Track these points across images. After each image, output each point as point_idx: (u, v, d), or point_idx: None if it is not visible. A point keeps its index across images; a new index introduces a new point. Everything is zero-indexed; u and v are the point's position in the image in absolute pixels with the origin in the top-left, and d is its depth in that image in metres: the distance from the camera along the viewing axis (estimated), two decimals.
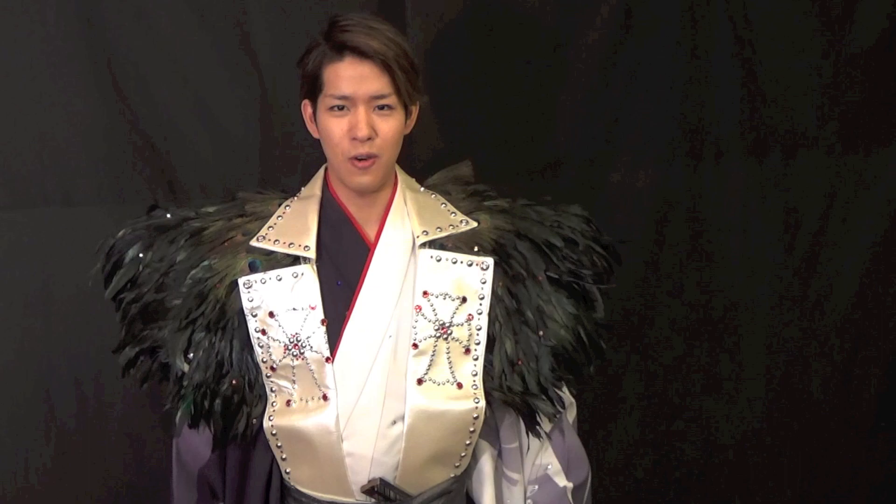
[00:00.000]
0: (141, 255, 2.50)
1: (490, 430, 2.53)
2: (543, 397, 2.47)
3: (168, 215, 2.54)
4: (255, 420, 2.45)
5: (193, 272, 2.46)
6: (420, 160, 2.94)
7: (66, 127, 2.99)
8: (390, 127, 2.39)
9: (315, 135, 2.48)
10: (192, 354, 2.45)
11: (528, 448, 2.55)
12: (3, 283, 3.00)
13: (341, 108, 2.39)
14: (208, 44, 3.02)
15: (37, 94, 2.97)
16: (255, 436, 2.47)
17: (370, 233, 2.46)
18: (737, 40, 3.23)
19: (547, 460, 2.55)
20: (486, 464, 2.54)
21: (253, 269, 2.46)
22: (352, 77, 2.37)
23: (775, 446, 3.42)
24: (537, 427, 2.49)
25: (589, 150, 3.21)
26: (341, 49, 2.37)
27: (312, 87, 2.42)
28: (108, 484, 3.10)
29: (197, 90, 3.03)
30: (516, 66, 3.16)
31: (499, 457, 2.56)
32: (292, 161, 3.05)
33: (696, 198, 3.28)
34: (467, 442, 2.46)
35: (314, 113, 2.44)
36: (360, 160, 2.39)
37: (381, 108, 2.38)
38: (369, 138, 2.37)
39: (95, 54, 2.97)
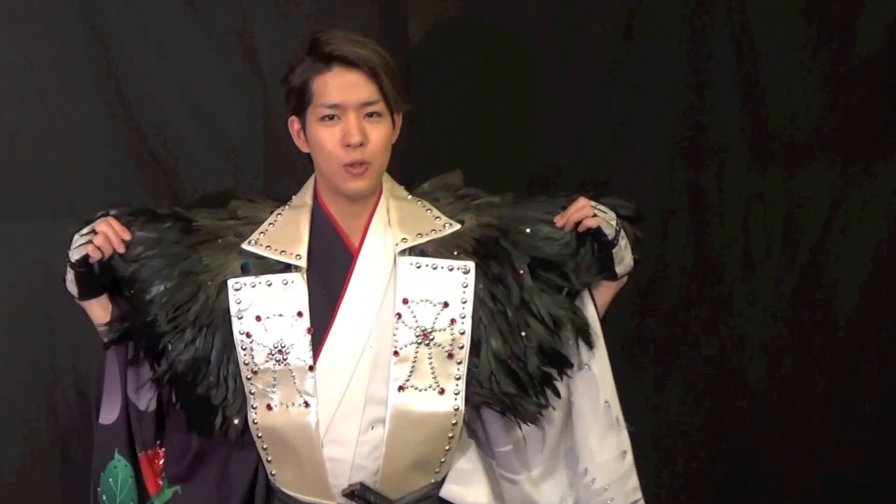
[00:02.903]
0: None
1: (476, 435, 2.54)
2: (533, 397, 2.48)
3: (157, 210, 2.58)
4: (235, 420, 2.48)
5: (183, 265, 2.49)
6: (417, 168, 2.94)
7: (70, 137, 3.02)
8: (379, 134, 2.43)
9: (304, 149, 2.52)
10: (172, 345, 2.48)
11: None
12: (7, 293, 3.03)
13: (332, 117, 2.42)
14: (211, 54, 3.04)
15: (40, 105, 3.00)
16: (240, 436, 2.50)
17: (356, 242, 2.49)
18: (738, 51, 3.22)
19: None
20: (473, 464, 2.55)
21: (245, 271, 2.49)
22: (341, 85, 2.41)
23: (778, 451, 3.41)
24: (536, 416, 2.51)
25: (590, 160, 3.21)
26: (328, 60, 2.41)
27: (300, 101, 2.46)
28: None
29: (200, 100, 3.05)
30: (518, 75, 3.17)
31: (493, 459, 2.56)
32: (295, 170, 3.05)
33: (697, 208, 3.28)
34: (447, 448, 2.48)
35: (303, 127, 2.48)
36: (353, 167, 2.42)
37: (371, 115, 2.42)
38: (361, 144, 2.40)
39: (98, 65, 3.00)
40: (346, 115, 2.41)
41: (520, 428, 2.52)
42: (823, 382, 3.40)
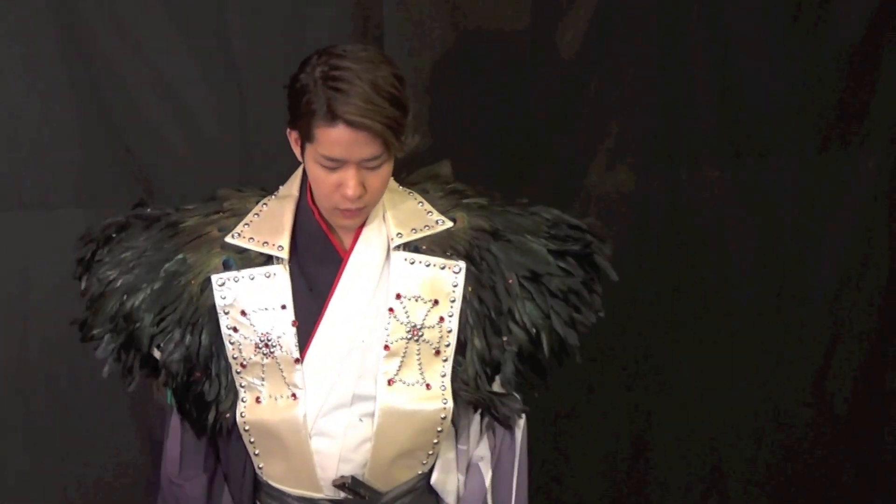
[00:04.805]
0: (114, 234, 2.52)
1: (456, 427, 2.56)
2: (513, 395, 2.51)
3: (149, 210, 2.56)
4: (227, 415, 2.48)
5: (168, 265, 2.48)
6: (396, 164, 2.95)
7: (43, 130, 3.00)
8: (380, 179, 2.38)
9: (300, 159, 2.45)
10: (163, 346, 2.47)
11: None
12: None
13: (331, 167, 2.36)
14: (186, 48, 3.03)
15: (14, 97, 2.99)
16: (230, 430, 2.50)
17: (345, 239, 2.47)
18: (712, 45, 3.24)
19: (481, 453, 2.59)
20: (451, 453, 2.57)
21: (227, 267, 2.47)
22: (344, 143, 2.31)
23: (752, 449, 3.45)
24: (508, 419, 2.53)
25: (565, 156, 3.23)
26: (334, 117, 2.30)
27: (302, 131, 2.36)
28: (84, 482, 3.13)
29: (175, 94, 3.04)
30: (493, 72, 3.18)
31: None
32: (271, 165, 3.05)
33: (673, 202, 3.30)
34: (435, 441, 2.50)
35: (301, 144, 2.40)
36: (347, 210, 2.39)
37: (372, 167, 2.36)
38: (360, 196, 2.37)
39: (73, 58, 2.99)
40: (347, 167, 2.33)
41: (493, 431, 2.56)
42: (801, 376, 3.45)
